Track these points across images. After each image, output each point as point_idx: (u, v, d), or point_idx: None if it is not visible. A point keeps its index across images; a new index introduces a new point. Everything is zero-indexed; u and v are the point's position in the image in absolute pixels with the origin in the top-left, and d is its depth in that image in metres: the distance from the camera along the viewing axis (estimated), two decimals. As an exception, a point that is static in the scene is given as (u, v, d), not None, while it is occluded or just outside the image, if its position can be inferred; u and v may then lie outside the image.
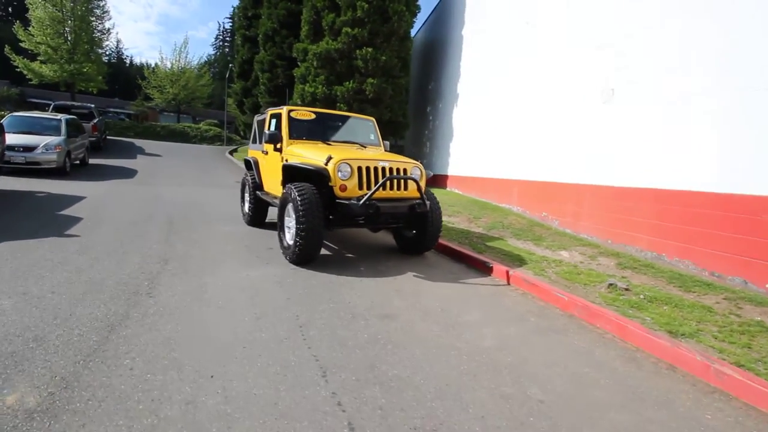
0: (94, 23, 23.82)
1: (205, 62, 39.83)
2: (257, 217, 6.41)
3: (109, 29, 25.58)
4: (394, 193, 4.71)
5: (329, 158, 4.38)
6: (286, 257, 4.63)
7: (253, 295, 3.57)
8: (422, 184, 4.92)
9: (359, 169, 4.50)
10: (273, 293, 3.66)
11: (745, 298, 3.90)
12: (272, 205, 6.36)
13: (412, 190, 4.84)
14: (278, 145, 5.38)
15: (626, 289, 4.21)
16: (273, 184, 5.79)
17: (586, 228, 6.31)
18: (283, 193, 4.72)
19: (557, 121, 7.08)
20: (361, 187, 4.51)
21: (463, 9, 11.47)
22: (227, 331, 2.87)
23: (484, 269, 4.82)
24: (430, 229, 5.12)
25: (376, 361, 2.59)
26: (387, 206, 4.46)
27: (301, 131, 5.48)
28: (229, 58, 56.72)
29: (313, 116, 5.70)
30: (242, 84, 17.28)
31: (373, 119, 6.22)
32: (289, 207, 4.68)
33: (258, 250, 5.08)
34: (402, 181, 4.72)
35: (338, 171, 4.39)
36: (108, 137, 18.81)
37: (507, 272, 4.49)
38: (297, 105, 12.83)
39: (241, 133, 19.85)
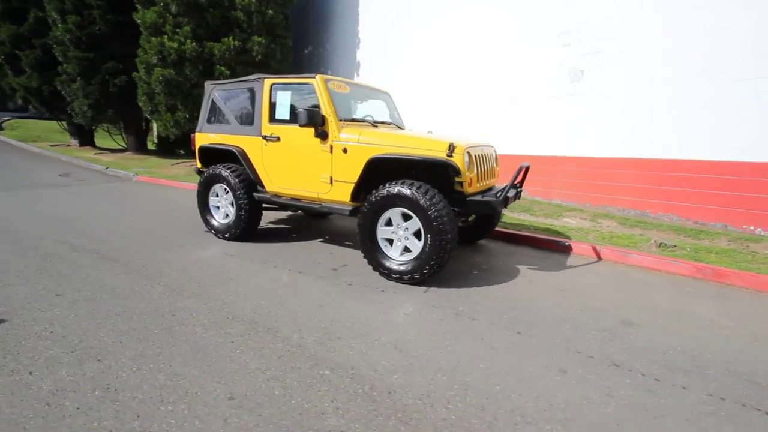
0: None
1: None
2: (251, 226, 4.66)
3: None
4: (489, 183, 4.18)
5: (452, 147, 3.48)
6: (398, 278, 3.56)
7: (487, 348, 2.63)
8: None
9: (476, 158, 3.76)
10: (493, 331, 2.79)
11: (742, 238, 5.16)
12: (273, 209, 4.77)
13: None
14: (321, 129, 3.95)
15: (675, 246, 4.96)
16: (295, 180, 4.28)
17: (559, 195, 7.05)
18: (380, 196, 3.55)
19: (526, 99, 7.47)
20: (479, 180, 3.80)
21: (354, -35, 10.53)
22: (583, 405, 2.06)
23: (560, 248, 4.85)
24: (497, 216, 4.79)
25: None
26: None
27: (339, 110, 4.14)
28: None
29: (348, 89, 4.37)
30: (13, 29, 11.52)
31: (389, 92, 5.20)
32: (395, 212, 3.58)
33: (329, 275, 3.73)
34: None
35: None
36: None
37: (594, 249, 4.65)
38: (153, 64, 9.62)
39: (18, 101, 13.53)
